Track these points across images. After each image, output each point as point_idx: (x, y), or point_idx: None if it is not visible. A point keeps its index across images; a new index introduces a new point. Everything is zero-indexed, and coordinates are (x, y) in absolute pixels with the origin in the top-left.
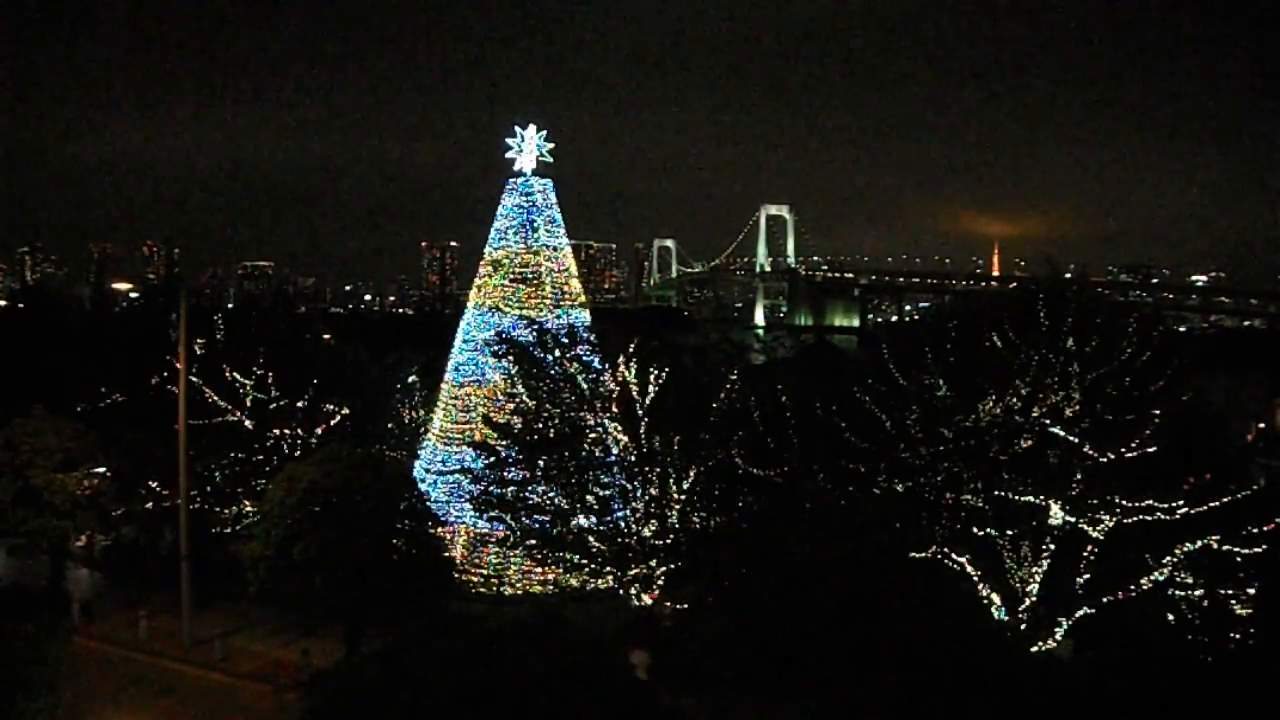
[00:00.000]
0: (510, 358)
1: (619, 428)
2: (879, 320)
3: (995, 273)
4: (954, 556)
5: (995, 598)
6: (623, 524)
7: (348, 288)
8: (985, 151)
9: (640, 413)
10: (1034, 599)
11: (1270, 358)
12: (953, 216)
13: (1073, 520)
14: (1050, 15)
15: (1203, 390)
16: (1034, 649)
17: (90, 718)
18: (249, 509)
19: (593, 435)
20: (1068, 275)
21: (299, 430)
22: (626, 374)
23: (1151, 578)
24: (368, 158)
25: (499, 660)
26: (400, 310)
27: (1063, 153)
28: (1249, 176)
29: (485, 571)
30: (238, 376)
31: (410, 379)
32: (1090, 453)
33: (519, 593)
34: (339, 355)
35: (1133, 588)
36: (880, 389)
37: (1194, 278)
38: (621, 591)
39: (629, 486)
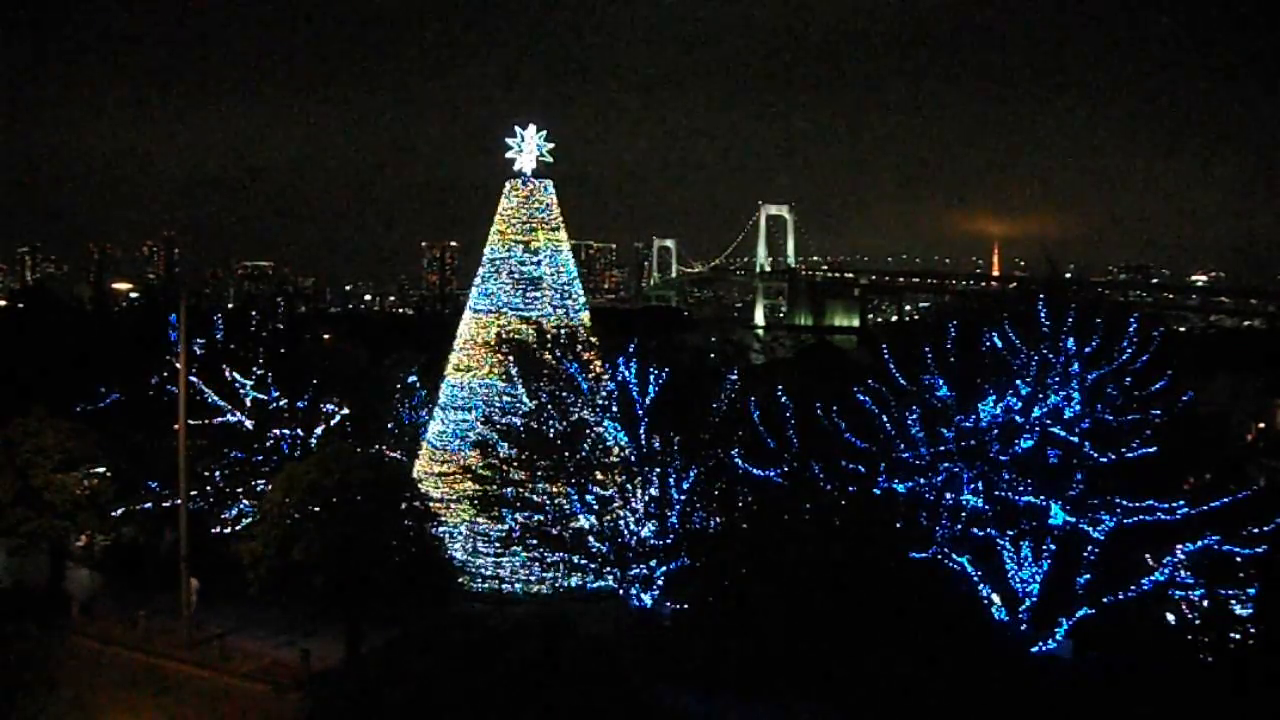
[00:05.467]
0: (510, 358)
1: (619, 428)
2: (879, 320)
3: (995, 273)
4: (954, 556)
5: (995, 598)
6: (623, 524)
7: (348, 288)
8: (985, 151)
9: (640, 413)
10: (1034, 599)
11: (1270, 358)
12: (953, 216)
13: (1073, 520)
14: (1050, 15)
15: (1203, 390)
16: (1034, 649)
17: (90, 717)
18: (249, 508)
19: (592, 435)
20: (1068, 275)
21: (299, 430)
22: (626, 374)
23: (1152, 578)
24: (368, 158)
25: (499, 660)
26: (400, 310)
27: (1063, 152)
28: (1250, 176)
29: (485, 571)
30: (238, 376)
31: (410, 379)
32: (1090, 453)
33: (519, 593)
34: (339, 355)
35: (1133, 588)
36: (880, 389)
37: (1194, 278)
38: (621, 591)
39: (629, 486)
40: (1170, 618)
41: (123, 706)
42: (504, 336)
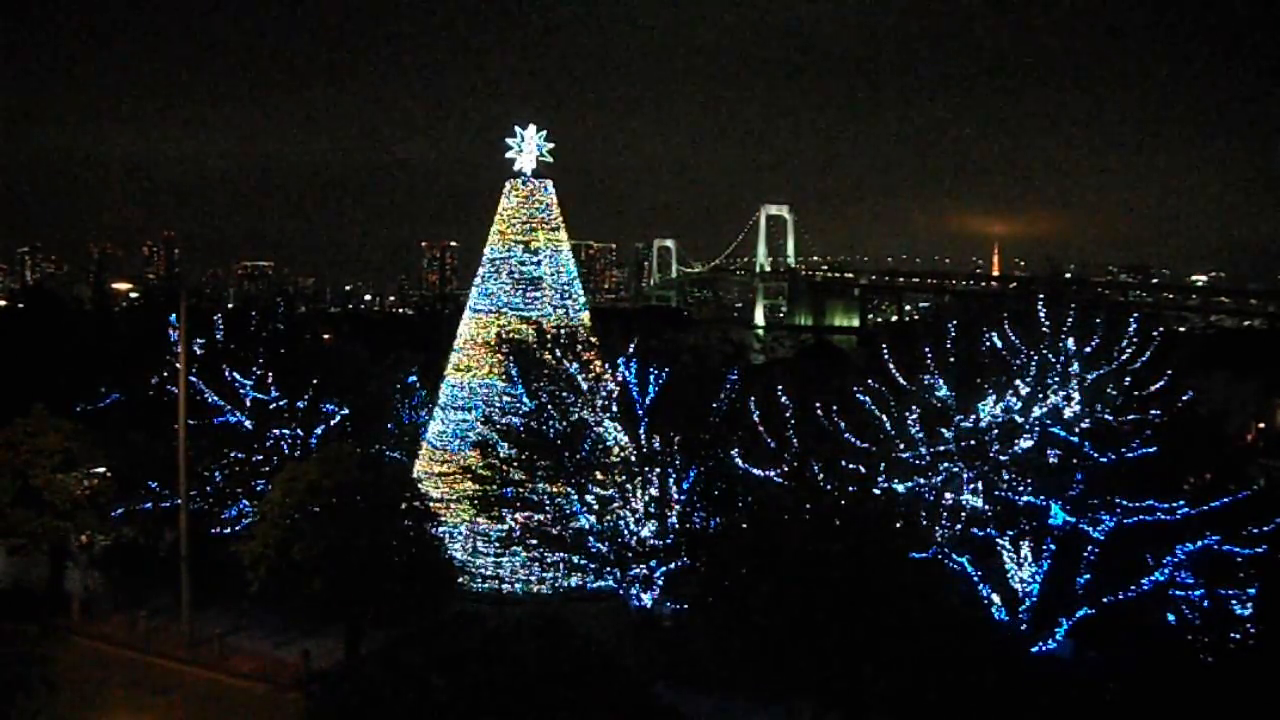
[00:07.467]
0: (510, 358)
1: (619, 428)
2: (879, 320)
3: (995, 273)
4: (954, 556)
5: (995, 598)
6: (623, 524)
7: (348, 288)
8: (985, 151)
9: (640, 413)
10: (1034, 599)
11: (1270, 358)
12: (953, 216)
13: (1073, 520)
14: (1050, 15)
15: (1203, 390)
16: (1034, 649)
17: (90, 718)
18: (249, 508)
19: (593, 435)
20: (1068, 275)
21: (299, 430)
22: (626, 374)
23: (1152, 578)
24: (368, 157)
25: (499, 660)
26: (400, 310)
27: (1063, 153)
28: (1249, 176)
29: (485, 571)
30: (238, 376)
31: (410, 379)
32: (1090, 453)
33: (519, 593)
34: (339, 355)
35: (1133, 588)
36: (880, 389)
37: (1194, 278)
38: (621, 591)
39: (629, 486)
40: (1170, 618)
41: (123, 706)
42: (504, 336)
